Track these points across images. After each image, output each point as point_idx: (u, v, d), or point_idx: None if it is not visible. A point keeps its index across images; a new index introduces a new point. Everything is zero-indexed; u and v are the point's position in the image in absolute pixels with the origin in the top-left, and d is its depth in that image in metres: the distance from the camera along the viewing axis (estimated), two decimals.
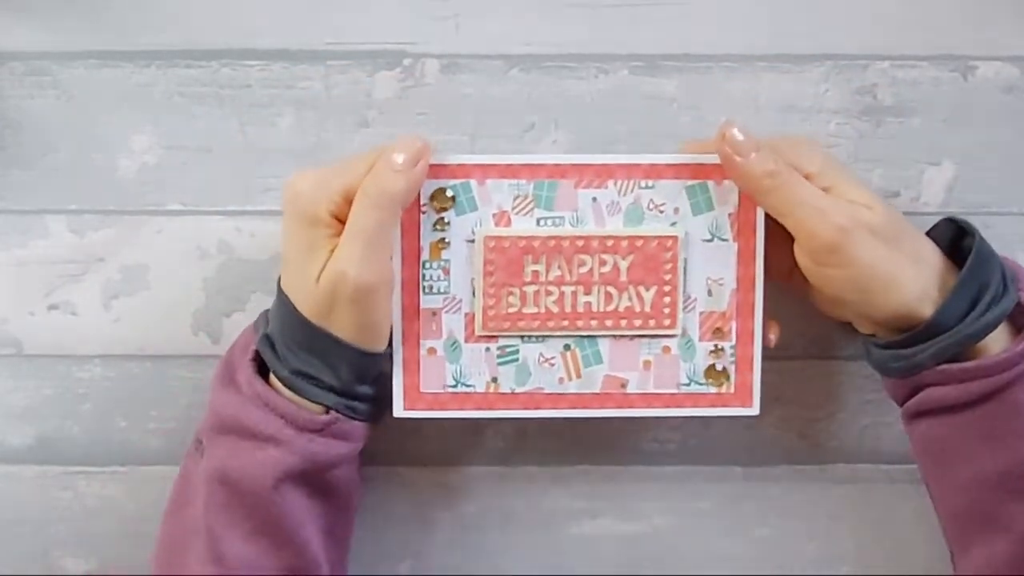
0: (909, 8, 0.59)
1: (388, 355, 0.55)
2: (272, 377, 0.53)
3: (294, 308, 0.52)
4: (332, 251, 0.51)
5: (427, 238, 0.54)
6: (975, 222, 0.59)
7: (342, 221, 0.51)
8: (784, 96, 0.59)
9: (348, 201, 0.51)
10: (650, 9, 0.59)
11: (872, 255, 0.51)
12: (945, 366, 0.52)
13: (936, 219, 0.59)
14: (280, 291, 0.53)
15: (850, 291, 0.52)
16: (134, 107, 0.59)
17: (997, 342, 0.52)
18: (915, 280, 0.52)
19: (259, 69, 0.59)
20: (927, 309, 0.52)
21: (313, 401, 0.53)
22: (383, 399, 0.56)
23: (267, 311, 0.55)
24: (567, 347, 0.54)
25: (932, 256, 0.53)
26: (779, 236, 0.53)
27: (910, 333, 0.53)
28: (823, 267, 0.52)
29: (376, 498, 0.61)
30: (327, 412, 0.53)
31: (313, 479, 0.53)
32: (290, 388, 0.53)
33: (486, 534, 0.61)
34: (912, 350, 0.53)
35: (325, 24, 0.59)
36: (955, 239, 0.55)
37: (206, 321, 0.60)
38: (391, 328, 0.54)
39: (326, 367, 0.52)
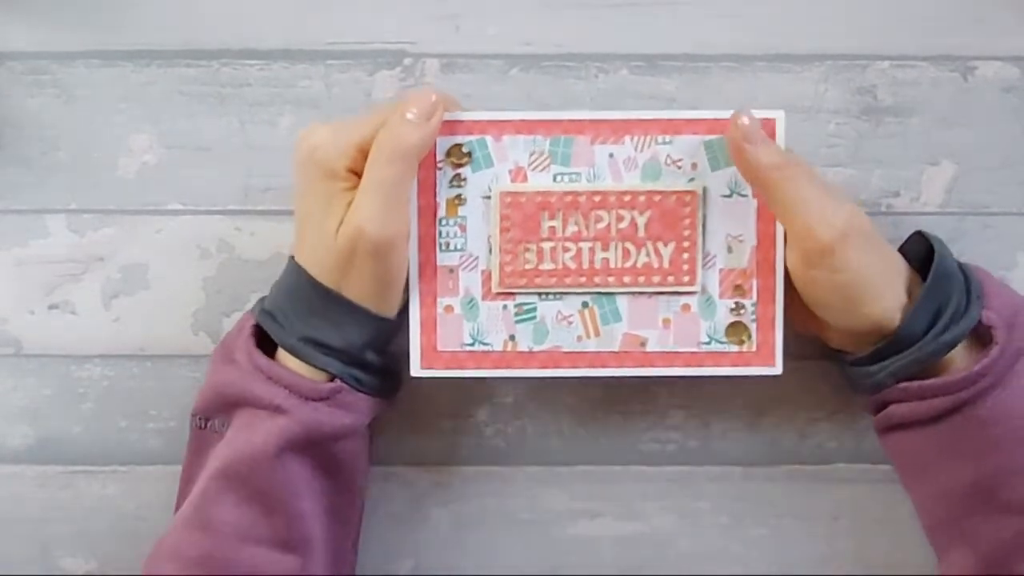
0: (909, 8, 0.59)
1: (401, 325, 0.54)
2: (278, 353, 0.54)
3: (306, 274, 0.52)
4: (349, 204, 0.51)
5: (443, 195, 0.54)
6: (975, 222, 0.59)
7: (357, 175, 0.51)
8: (784, 96, 0.59)
9: (363, 154, 0.51)
10: (650, 9, 0.59)
11: (862, 261, 0.51)
12: (906, 384, 0.53)
13: (936, 219, 0.60)
14: (290, 262, 0.53)
15: (837, 297, 0.52)
16: (134, 107, 0.60)
17: (962, 357, 0.52)
18: (897, 290, 0.52)
19: (259, 69, 0.59)
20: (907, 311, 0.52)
21: (319, 368, 0.53)
22: (391, 373, 0.56)
23: (262, 298, 0.55)
24: (585, 305, 0.54)
25: (905, 268, 0.54)
26: None
27: (873, 350, 0.53)
28: (814, 270, 0.51)
29: (376, 498, 0.61)
30: (332, 380, 0.53)
31: (317, 451, 0.53)
32: (297, 355, 0.53)
33: (486, 534, 0.61)
34: (875, 367, 0.53)
35: (325, 24, 0.59)
36: (928, 252, 0.55)
37: (206, 321, 0.60)
38: (404, 292, 0.53)
39: (336, 331, 0.52)
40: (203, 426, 0.55)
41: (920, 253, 0.55)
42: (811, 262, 0.51)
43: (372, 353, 0.54)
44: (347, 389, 0.53)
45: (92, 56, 0.59)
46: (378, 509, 0.61)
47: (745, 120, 0.51)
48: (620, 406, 0.61)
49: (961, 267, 0.54)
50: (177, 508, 0.55)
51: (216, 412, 0.54)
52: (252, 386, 0.52)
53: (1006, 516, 0.52)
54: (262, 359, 0.53)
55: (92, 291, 0.60)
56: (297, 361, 0.53)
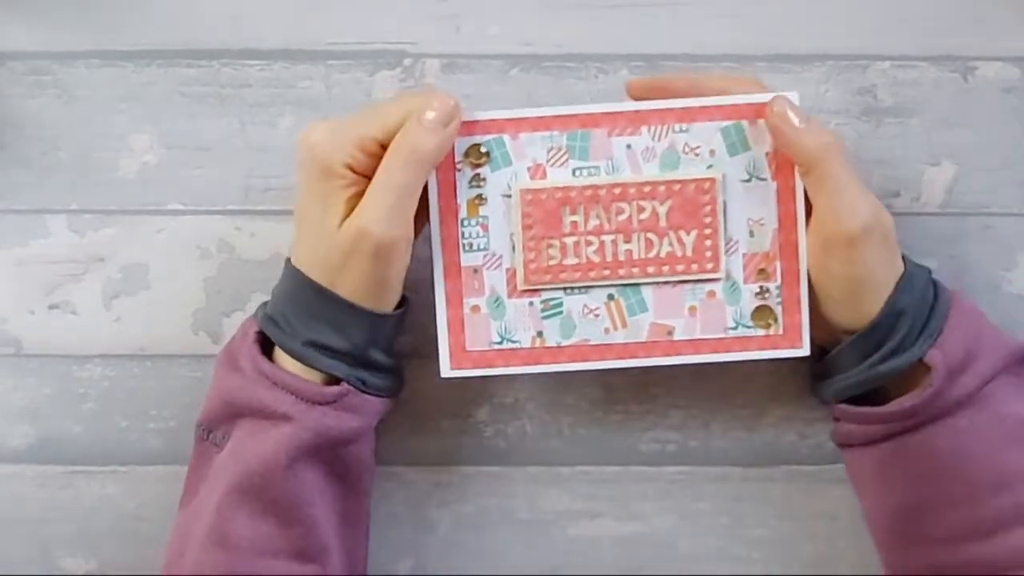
0: (909, 8, 0.59)
1: (403, 321, 0.54)
2: (277, 357, 0.53)
3: (303, 276, 0.52)
4: (348, 200, 0.51)
5: (464, 195, 0.54)
6: (975, 222, 0.60)
7: (356, 172, 0.51)
8: None
9: (363, 152, 0.51)
10: (650, 9, 0.59)
11: (877, 260, 0.51)
12: (844, 406, 0.55)
13: (936, 219, 0.60)
14: (288, 267, 0.53)
15: (843, 290, 0.52)
16: (134, 107, 0.60)
17: (919, 381, 0.52)
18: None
19: (259, 69, 0.59)
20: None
21: (324, 372, 0.52)
22: (396, 372, 0.56)
23: (265, 303, 0.55)
24: (611, 297, 0.54)
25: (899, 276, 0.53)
26: None
27: (821, 364, 0.55)
28: (831, 258, 0.52)
29: (376, 498, 0.61)
30: (338, 383, 0.53)
31: (327, 457, 0.53)
32: (301, 360, 0.52)
33: (486, 534, 0.61)
34: (823, 383, 0.56)
35: (325, 24, 0.59)
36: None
37: (206, 321, 0.60)
38: (400, 289, 0.53)
39: (338, 333, 0.52)
40: (205, 437, 0.55)
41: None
42: (831, 249, 0.52)
43: (378, 352, 0.54)
44: (353, 392, 0.53)
45: (92, 56, 0.60)
46: (378, 509, 0.61)
47: (784, 104, 0.52)
48: (620, 406, 0.61)
49: (937, 292, 0.53)
50: (180, 510, 0.55)
51: (220, 422, 0.54)
52: (258, 393, 0.52)
53: (921, 547, 0.53)
54: (267, 365, 0.53)
55: (92, 291, 0.60)
56: (300, 365, 0.53)
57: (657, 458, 0.61)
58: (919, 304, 0.52)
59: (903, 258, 0.54)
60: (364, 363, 0.53)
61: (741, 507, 0.61)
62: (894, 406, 0.52)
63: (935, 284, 0.54)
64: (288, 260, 0.54)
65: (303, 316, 0.52)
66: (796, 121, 0.51)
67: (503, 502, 0.61)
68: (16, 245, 0.60)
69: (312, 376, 0.53)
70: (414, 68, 0.59)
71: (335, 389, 0.52)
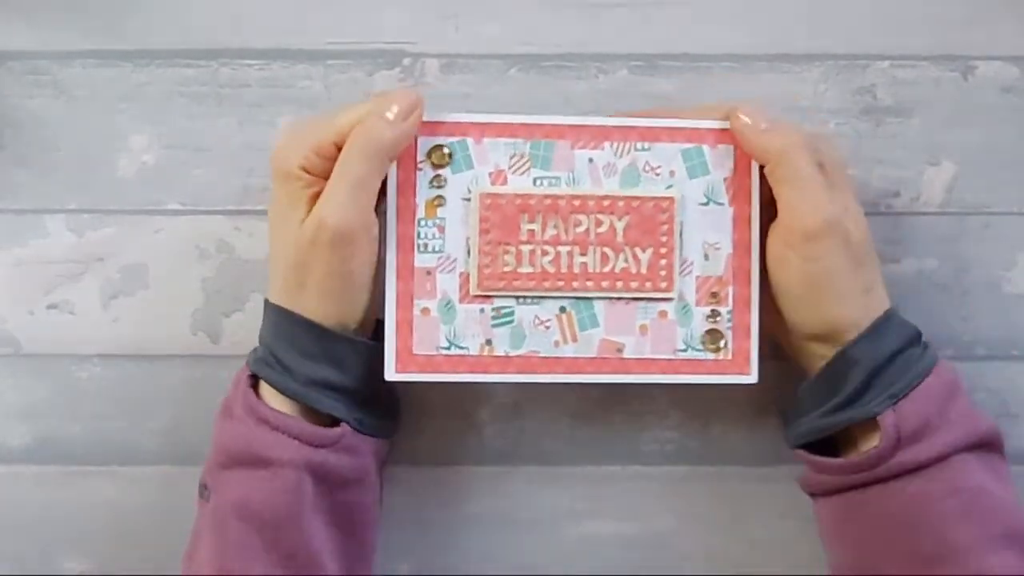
0: (909, 8, 0.59)
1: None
2: (267, 400, 0.52)
3: (287, 311, 0.51)
4: (309, 201, 0.51)
5: (423, 195, 0.53)
6: (975, 222, 0.60)
7: (311, 174, 0.51)
8: (783, 96, 0.59)
9: (317, 154, 0.51)
10: (650, 9, 0.59)
11: (836, 263, 0.51)
12: (801, 451, 0.55)
13: (936, 219, 0.60)
14: (269, 306, 0.53)
15: (799, 285, 0.52)
16: (133, 107, 0.60)
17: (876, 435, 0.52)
18: (856, 307, 0.52)
19: (258, 69, 0.59)
20: (852, 335, 0.52)
21: (324, 413, 0.52)
22: (391, 413, 0.56)
23: (255, 349, 0.54)
24: (563, 309, 0.54)
25: (881, 296, 0.53)
26: None
27: (786, 408, 0.56)
28: (790, 251, 0.52)
29: None
30: (334, 424, 0.52)
31: (326, 503, 0.52)
32: (302, 400, 0.52)
33: (486, 534, 0.61)
34: (790, 428, 0.56)
35: (324, 24, 0.59)
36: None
37: (205, 321, 0.60)
38: (368, 291, 0.52)
39: (335, 368, 0.52)
40: (201, 494, 0.53)
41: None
42: (789, 242, 0.51)
43: (375, 386, 0.53)
44: (351, 432, 0.52)
45: (91, 56, 0.59)
46: None
47: (749, 110, 0.52)
48: (620, 406, 0.61)
49: (922, 356, 0.52)
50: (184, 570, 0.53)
51: (214, 475, 0.52)
52: (260, 438, 0.51)
53: None
54: (266, 409, 0.51)
55: (91, 291, 0.60)
56: (294, 406, 0.52)
57: (657, 458, 0.61)
58: (881, 360, 0.52)
59: (890, 312, 0.53)
60: (362, 402, 0.53)
61: (741, 507, 0.61)
62: (843, 459, 0.52)
63: (926, 347, 0.53)
64: (267, 300, 0.53)
65: (297, 355, 0.52)
66: (761, 124, 0.52)
67: (503, 502, 0.61)
68: (15, 245, 0.60)
69: (310, 417, 0.52)
70: (413, 68, 0.59)
71: (337, 431, 0.52)
